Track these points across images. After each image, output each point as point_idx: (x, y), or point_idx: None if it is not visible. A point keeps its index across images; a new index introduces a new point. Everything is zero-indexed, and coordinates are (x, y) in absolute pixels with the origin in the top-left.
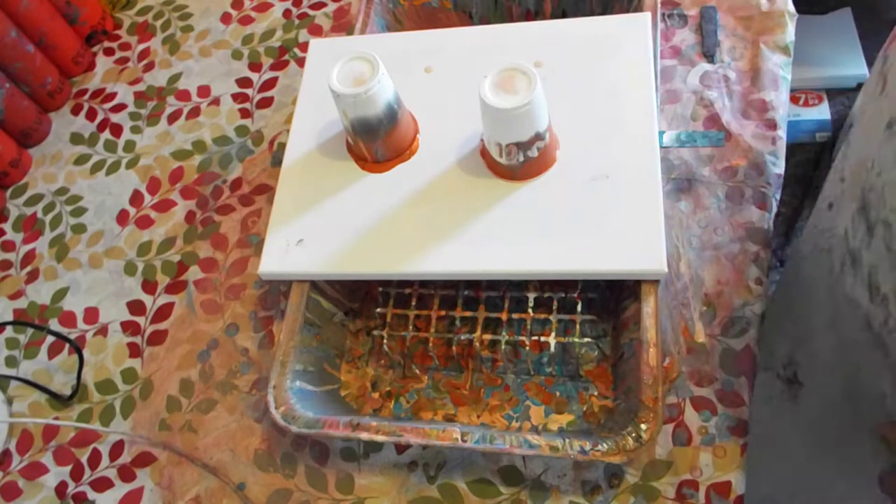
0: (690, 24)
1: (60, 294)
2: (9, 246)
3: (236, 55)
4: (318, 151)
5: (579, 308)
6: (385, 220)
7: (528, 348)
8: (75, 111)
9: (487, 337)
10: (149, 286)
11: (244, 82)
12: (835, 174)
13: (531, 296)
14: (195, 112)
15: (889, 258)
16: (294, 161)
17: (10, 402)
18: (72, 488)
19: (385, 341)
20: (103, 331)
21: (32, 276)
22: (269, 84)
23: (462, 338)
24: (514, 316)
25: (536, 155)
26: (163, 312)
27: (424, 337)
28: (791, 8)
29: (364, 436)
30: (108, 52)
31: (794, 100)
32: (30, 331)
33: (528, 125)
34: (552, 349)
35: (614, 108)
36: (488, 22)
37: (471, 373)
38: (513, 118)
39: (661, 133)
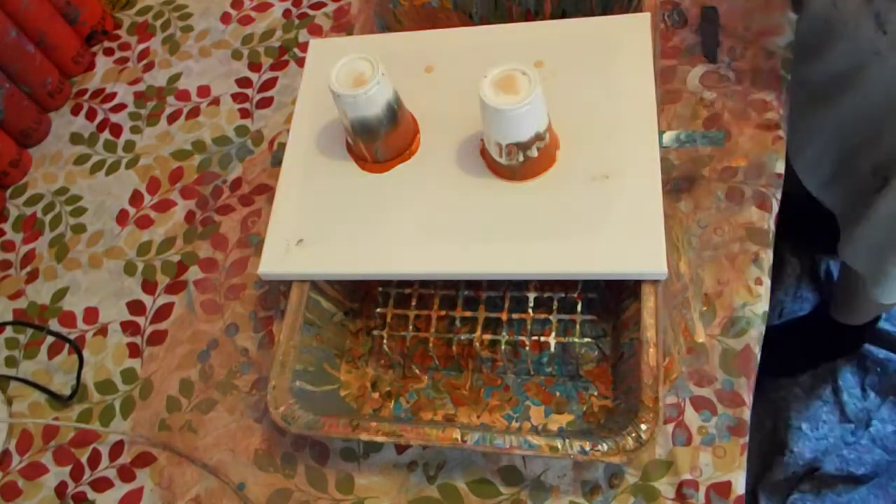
0: (690, 24)
1: (60, 294)
2: (9, 246)
3: (236, 55)
4: (318, 151)
5: (579, 308)
6: (385, 220)
7: (528, 348)
8: (75, 111)
9: (487, 337)
10: (149, 286)
11: (244, 82)
12: None
13: (531, 296)
14: (195, 112)
15: None
16: (294, 161)
17: (9, 402)
18: (72, 488)
19: (385, 341)
20: (103, 331)
21: (32, 276)
22: (269, 84)
23: (462, 338)
24: (514, 316)
25: (536, 155)
26: (162, 312)
27: (424, 337)
28: (791, 8)
29: (364, 436)
30: (108, 52)
31: None
32: (29, 331)
33: (528, 125)
34: (552, 349)
35: (614, 108)
36: (488, 22)
37: (471, 373)
38: (513, 118)
39: (661, 133)
